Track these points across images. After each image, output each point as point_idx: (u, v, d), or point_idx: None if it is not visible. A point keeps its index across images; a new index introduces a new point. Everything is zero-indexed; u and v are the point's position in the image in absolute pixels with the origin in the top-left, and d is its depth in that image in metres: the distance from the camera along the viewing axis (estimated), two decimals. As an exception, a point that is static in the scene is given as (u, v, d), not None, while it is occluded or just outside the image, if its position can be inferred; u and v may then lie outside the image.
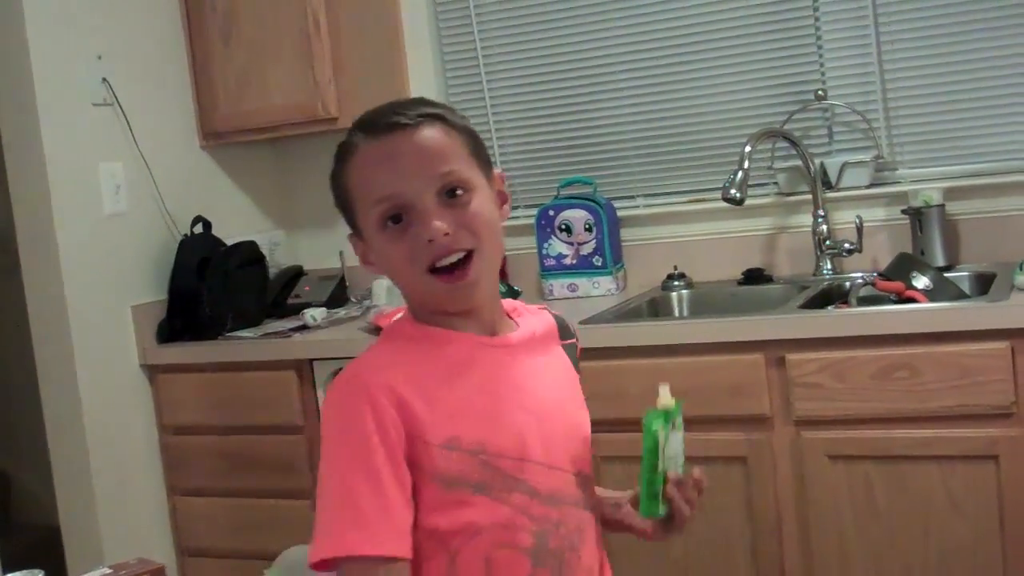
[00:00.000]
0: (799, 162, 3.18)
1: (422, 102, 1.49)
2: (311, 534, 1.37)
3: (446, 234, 1.41)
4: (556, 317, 1.66)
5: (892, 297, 2.80)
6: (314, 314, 3.33)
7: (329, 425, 1.41)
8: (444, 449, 1.39)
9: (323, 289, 3.58)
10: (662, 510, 1.51)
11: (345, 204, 1.50)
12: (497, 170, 1.54)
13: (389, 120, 1.44)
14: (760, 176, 3.25)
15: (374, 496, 1.35)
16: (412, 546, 1.38)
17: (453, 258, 1.42)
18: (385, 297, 3.34)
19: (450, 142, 1.45)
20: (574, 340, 1.67)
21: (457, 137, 1.46)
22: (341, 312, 3.43)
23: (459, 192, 1.43)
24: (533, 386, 1.50)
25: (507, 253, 3.48)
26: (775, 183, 3.29)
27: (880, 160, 3.16)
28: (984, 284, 2.81)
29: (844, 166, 3.16)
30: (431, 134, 1.44)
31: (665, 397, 1.49)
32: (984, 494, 2.46)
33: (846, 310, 2.78)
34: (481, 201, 1.45)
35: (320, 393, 3.11)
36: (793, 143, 3.18)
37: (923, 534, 2.53)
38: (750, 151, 3.04)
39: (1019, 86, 3.03)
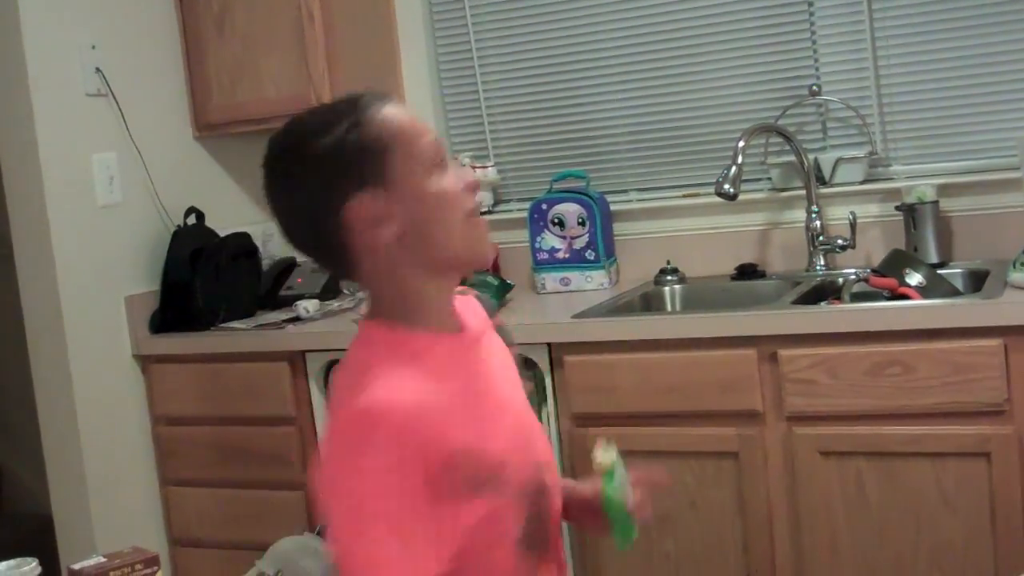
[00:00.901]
0: (793, 158, 3.18)
1: None
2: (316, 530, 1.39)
3: None
4: (480, 299, 1.68)
5: (885, 294, 2.80)
6: (307, 305, 3.32)
7: (355, 458, 1.34)
8: (458, 454, 1.39)
9: (316, 281, 3.57)
10: (636, 532, 1.58)
11: (372, 152, 1.45)
12: None
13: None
14: (753, 171, 3.25)
15: (400, 543, 1.33)
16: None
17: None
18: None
19: None
20: (498, 320, 1.68)
21: None
22: (334, 304, 3.43)
23: None
24: (501, 385, 1.54)
25: (500, 246, 3.48)
26: (768, 178, 3.29)
27: (874, 156, 3.16)
28: (977, 281, 2.81)
29: (838, 162, 3.16)
30: None
31: (607, 457, 1.53)
32: (976, 491, 2.46)
33: (839, 306, 2.78)
34: None
35: (313, 385, 3.11)
36: (787, 138, 3.17)
37: (915, 530, 2.53)
38: (744, 146, 3.03)
39: (1013, 82, 3.04)
